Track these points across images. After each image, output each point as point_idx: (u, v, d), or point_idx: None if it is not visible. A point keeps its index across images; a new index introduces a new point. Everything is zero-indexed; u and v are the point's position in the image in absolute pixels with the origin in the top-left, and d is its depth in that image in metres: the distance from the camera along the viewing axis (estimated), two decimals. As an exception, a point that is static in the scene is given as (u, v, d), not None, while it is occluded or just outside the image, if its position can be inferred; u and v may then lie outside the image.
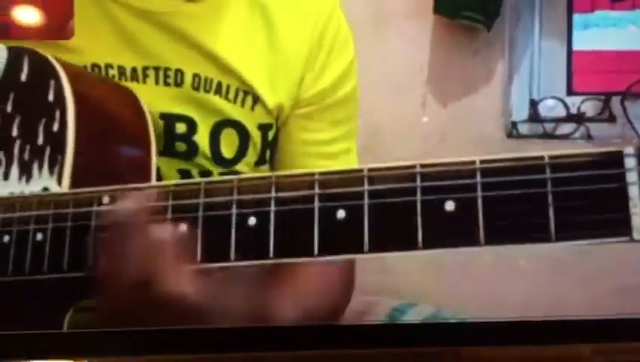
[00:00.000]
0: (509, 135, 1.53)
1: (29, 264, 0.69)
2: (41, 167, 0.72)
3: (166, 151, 0.84)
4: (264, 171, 0.91)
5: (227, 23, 0.89)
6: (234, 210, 0.62)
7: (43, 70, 0.74)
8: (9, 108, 0.74)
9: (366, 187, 0.57)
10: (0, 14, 0.77)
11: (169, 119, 0.84)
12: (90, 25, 0.83)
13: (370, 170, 0.57)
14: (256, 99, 0.87)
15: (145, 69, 0.85)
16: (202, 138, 0.86)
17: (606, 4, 1.54)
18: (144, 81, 0.84)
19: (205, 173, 0.86)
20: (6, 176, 0.73)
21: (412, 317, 1.08)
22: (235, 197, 0.62)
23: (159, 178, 0.83)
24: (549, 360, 0.64)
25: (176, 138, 0.84)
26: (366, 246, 0.56)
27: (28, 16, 0.79)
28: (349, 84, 0.93)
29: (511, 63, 1.58)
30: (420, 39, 1.58)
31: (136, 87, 0.83)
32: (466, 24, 1.55)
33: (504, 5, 1.53)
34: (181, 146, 0.85)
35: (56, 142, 0.72)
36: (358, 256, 0.57)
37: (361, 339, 0.64)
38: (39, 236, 0.69)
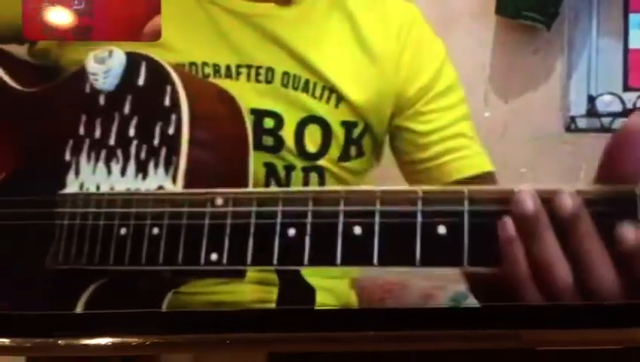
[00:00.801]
0: (568, 129, 1.54)
1: (145, 255, 0.70)
2: (156, 167, 0.74)
3: (254, 144, 0.84)
4: (346, 167, 0.91)
5: (315, 26, 0.90)
6: (341, 219, 0.63)
7: (159, 76, 0.75)
8: (127, 110, 0.75)
9: (466, 208, 0.60)
10: (82, 16, 0.77)
11: (258, 114, 0.86)
12: (189, 25, 0.86)
13: (470, 191, 0.60)
14: (341, 98, 0.88)
15: (238, 66, 0.86)
16: (288, 133, 0.87)
17: (662, 3, 1.49)
18: (237, 78, 0.86)
19: (289, 166, 0.88)
20: (123, 173, 0.75)
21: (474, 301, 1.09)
22: (342, 208, 0.64)
23: None
24: (609, 343, 0.64)
25: (264, 132, 0.86)
26: (465, 261, 0.59)
27: (111, 17, 0.79)
28: (448, 77, 0.94)
29: (569, 61, 1.57)
30: (483, 38, 1.58)
31: (229, 84, 0.84)
32: (527, 24, 1.55)
33: (563, 5, 1.53)
34: (268, 140, 0.86)
35: (172, 144, 0.73)
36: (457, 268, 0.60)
37: (426, 322, 0.65)
38: (155, 230, 0.70)
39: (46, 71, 0.86)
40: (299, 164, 0.88)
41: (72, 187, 0.76)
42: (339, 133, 0.88)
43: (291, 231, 0.65)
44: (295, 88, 0.87)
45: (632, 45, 1.56)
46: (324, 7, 0.91)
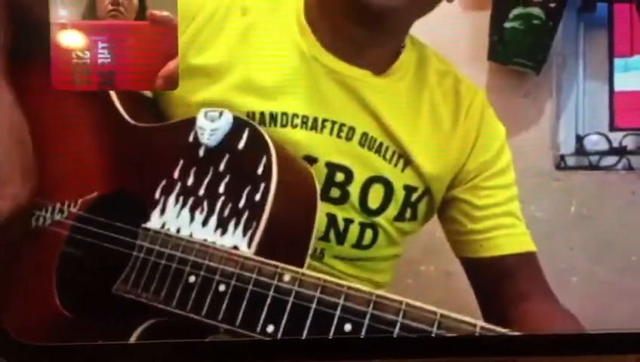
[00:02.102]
0: (558, 167, 1.54)
1: (207, 307, 0.72)
2: (236, 227, 0.75)
3: (322, 195, 0.85)
4: (399, 227, 0.92)
5: (399, 97, 0.91)
6: (396, 330, 0.64)
7: (258, 145, 0.77)
8: (222, 168, 0.77)
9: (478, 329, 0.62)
10: (105, 65, 0.75)
11: (332, 167, 0.87)
12: (289, 76, 0.86)
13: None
14: (408, 163, 0.89)
15: (324, 120, 0.86)
16: (355, 188, 0.88)
17: (645, 48, 1.51)
18: (321, 131, 0.86)
19: (348, 220, 0.88)
20: (204, 224, 0.76)
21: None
22: (400, 319, 0.65)
23: None
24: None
25: (333, 184, 0.87)
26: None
27: (131, 66, 0.77)
28: (506, 157, 0.96)
29: (558, 103, 1.58)
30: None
31: (312, 135, 0.86)
32: (517, 69, 1.54)
33: (551, 51, 1.53)
34: (335, 192, 0.87)
35: (255, 210, 0.75)
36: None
37: (423, 349, 0.66)
38: (222, 287, 0.71)
39: (158, 108, 0.87)
40: (358, 218, 0.89)
41: (155, 223, 0.78)
42: (400, 195, 0.90)
43: (347, 327, 0.66)
44: (370, 149, 0.89)
45: (617, 88, 1.58)
46: (410, 82, 0.92)
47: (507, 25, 1.50)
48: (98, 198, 0.82)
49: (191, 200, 0.77)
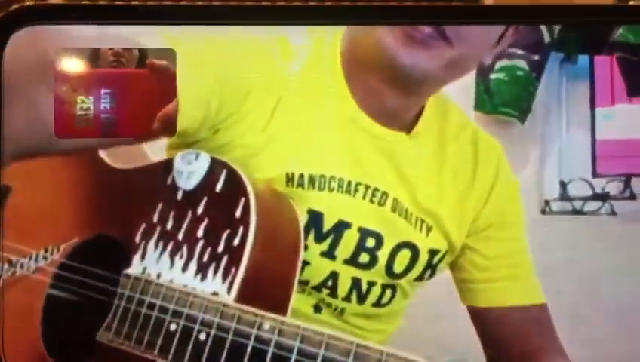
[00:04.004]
0: (543, 212, 1.51)
1: (189, 356, 0.68)
2: (215, 273, 0.70)
3: (351, 260, 0.82)
4: (416, 285, 0.89)
5: (426, 156, 0.87)
6: None
7: (236, 186, 0.73)
8: (200, 211, 0.73)
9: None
10: (106, 113, 0.72)
11: (365, 233, 0.83)
12: (327, 139, 0.82)
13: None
14: (431, 227, 0.85)
15: (357, 184, 0.82)
16: (384, 254, 0.84)
17: (625, 98, 1.49)
18: (354, 195, 0.82)
19: (372, 282, 0.84)
20: (184, 269, 0.72)
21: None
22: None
23: (335, 284, 0.83)
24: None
25: (364, 250, 0.83)
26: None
27: (132, 112, 0.74)
28: (520, 210, 0.93)
29: (543, 151, 1.55)
30: None
31: (345, 198, 0.82)
32: (503, 118, 1.51)
33: (535, 101, 1.51)
34: (365, 258, 0.83)
35: (233, 255, 0.70)
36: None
37: None
38: (202, 336, 0.67)
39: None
40: (381, 280, 0.85)
41: (135, 268, 0.74)
42: (423, 259, 0.86)
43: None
44: (400, 214, 0.84)
45: (599, 136, 1.55)
46: (434, 139, 0.88)
47: (492, 76, 1.48)
48: (79, 244, 0.78)
49: (170, 245, 0.73)
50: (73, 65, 0.68)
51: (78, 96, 0.69)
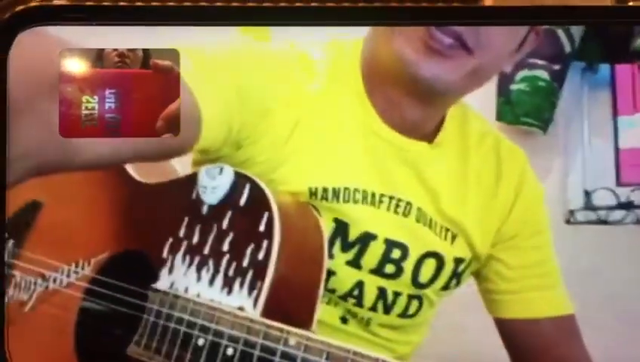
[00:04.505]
0: (567, 221, 1.49)
1: None
2: (241, 286, 0.70)
3: (376, 270, 0.82)
4: (442, 294, 0.88)
5: (449, 165, 0.86)
6: None
7: (260, 201, 0.73)
8: (224, 225, 0.73)
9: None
10: (111, 112, 0.71)
11: (390, 244, 0.82)
12: (352, 152, 0.82)
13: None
14: (455, 236, 0.85)
15: (381, 195, 0.82)
16: (409, 264, 0.83)
17: (648, 106, 1.50)
18: (378, 207, 0.81)
19: (398, 292, 0.84)
20: (211, 283, 0.72)
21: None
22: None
23: (361, 294, 0.83)
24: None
25: (389, 261, 0.82)
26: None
27: (137, 111, 0.73)
28: (545, 217, 0.91)
29: (566, 160, 1.54)
30: None
31: (369, 210, 0.81)
32: (525, 129, 1.50)
33: (557, 111, 1.50)
34: (390, 268, 0.82)
35: (258, 269, 0.70)
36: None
37: None
38: (229, 351, 0.67)
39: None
40: (407, 290, 0.85)
41: (163, 282, 0.74)
42: (449, 267, 0.85)
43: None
44: (424, 224, 0.84)
45: (622, 145, 1.53)
46: (456, 148, 0.87)
47: (513, 87, 1.47)
48: (109, 258, 0.78)
49: (197, 259, 0.73)
50: (78, 65, 0.68)
51: (83, 96, 0.69)
